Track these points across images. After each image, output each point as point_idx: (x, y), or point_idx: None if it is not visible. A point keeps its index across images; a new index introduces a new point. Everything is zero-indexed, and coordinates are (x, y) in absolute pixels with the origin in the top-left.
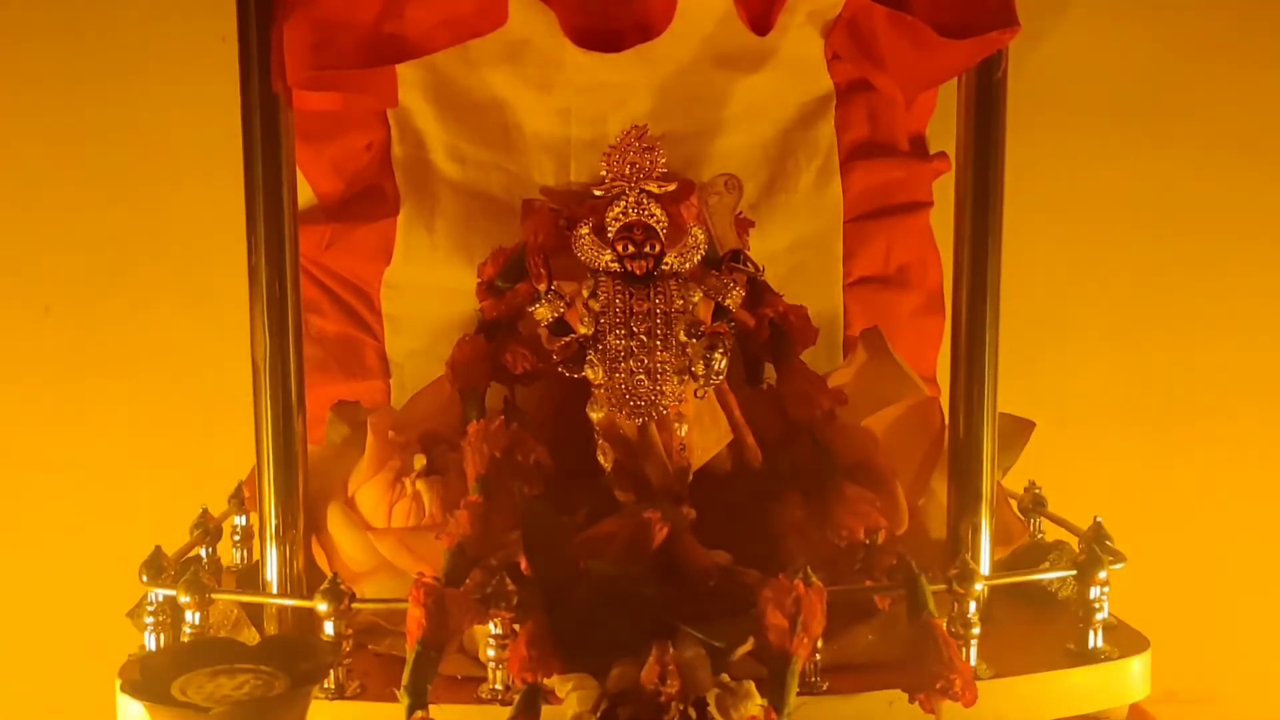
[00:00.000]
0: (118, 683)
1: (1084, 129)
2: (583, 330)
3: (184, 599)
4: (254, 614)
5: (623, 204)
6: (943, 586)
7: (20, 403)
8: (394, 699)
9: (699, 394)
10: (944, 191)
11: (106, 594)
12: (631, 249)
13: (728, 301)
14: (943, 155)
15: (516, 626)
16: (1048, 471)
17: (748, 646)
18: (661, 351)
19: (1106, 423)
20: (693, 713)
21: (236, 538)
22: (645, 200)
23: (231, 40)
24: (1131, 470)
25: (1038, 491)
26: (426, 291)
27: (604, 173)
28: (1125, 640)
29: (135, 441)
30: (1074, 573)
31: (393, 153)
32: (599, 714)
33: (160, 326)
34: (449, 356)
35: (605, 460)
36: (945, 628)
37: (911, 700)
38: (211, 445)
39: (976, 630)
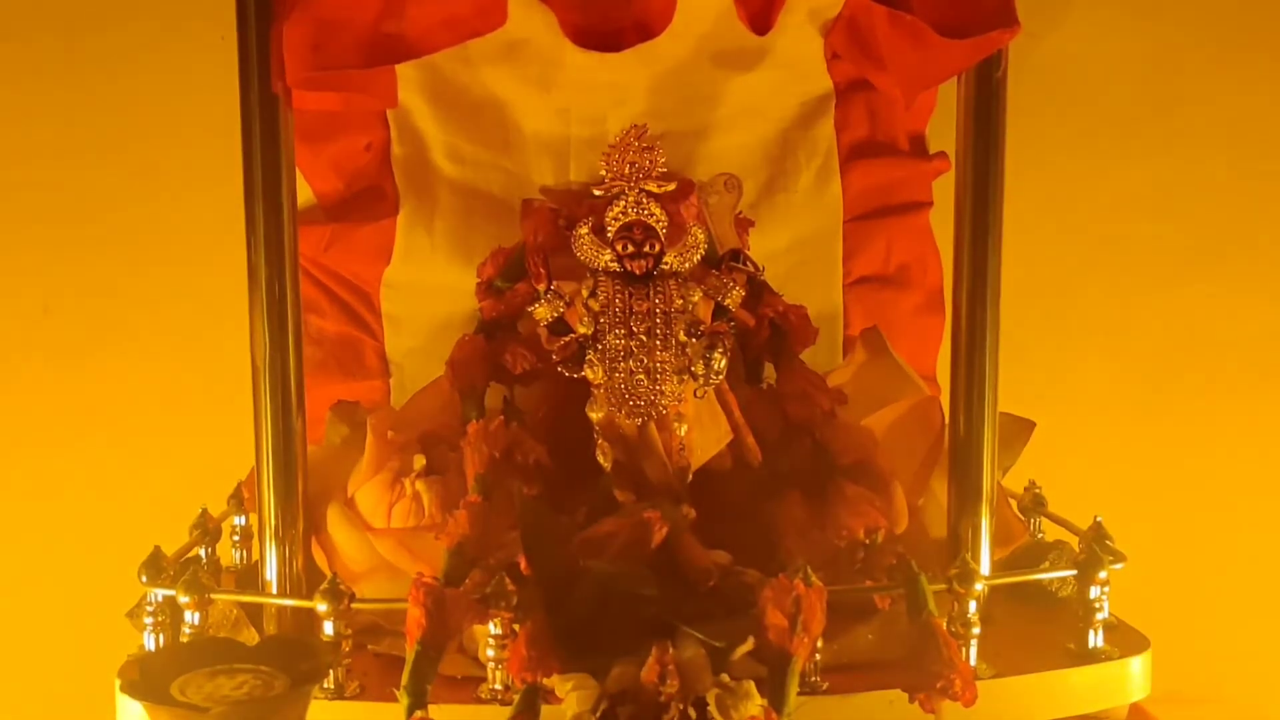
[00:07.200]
0: (117, 683)
1: (1084, 128)
2: (582, 330)
3: (183, 599)
4: (254, 614)
5: (622, 203)
6: (943, 586)
7: (19, 403)
8: (394, 699)
9: (699, 394)
10: (944, 191)
11: (106, 594)
12: (631, 249)
13: (727, 301)
14: (943, 155)
15: (516, 626)
16: (1048, 471)
17: (748, 646)
18: (661, 351)
19: (1106, 422)
20: (693, 713)
21: (236, 538)
22: (645, 200)
23: (231, 40)
24: (1131, 470)
25: (1038, 491)
26: (426, 291)
27: (603, 172)
28: (1125, 640)
29: (134, 441)
30: (1074, 572)
31: (392, 153)
32: (599, 714)
33: (159, 326)
34: (449, 356)
35: (605, 460)
36: (945, 627)
37: (911, 700)
38: (211, 445)
39: (976, 630)
